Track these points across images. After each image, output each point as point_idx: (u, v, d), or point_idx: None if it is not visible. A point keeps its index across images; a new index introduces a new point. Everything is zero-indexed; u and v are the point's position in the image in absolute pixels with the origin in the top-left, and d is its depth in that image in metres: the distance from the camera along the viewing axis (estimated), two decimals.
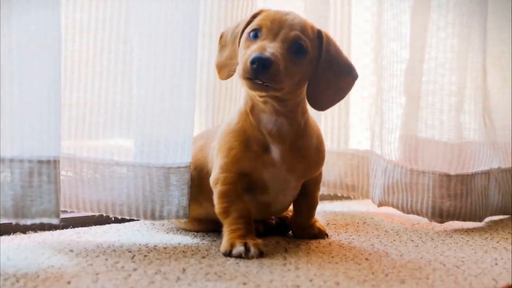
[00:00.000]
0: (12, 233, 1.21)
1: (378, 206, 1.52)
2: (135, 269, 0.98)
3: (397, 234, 1.33)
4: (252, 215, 1.14)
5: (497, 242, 1.28)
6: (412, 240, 1.27)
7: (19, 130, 1.00)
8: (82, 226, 1.30)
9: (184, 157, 1.19)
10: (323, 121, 1.60)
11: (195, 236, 1.25)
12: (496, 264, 1.09)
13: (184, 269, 0.99)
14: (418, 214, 1.45)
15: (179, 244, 1.18)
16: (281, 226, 1.30)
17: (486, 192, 1.49)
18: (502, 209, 1.57)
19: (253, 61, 1.02)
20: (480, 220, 1.47)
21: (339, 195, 1.68)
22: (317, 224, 1.28)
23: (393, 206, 1.49)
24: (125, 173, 1.18)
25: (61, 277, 0.93)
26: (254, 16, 1.14)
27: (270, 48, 1.04)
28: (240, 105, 1.17)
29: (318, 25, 1.16)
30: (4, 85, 0.99)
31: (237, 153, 1.13)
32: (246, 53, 1.06)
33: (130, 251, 1.10)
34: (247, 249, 1.07)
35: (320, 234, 1.26)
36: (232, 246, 1.08)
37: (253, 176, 1.14)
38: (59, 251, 1.08)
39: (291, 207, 1.28)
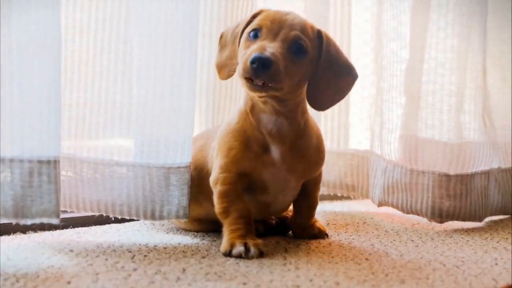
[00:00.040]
0: (12, 233, 1.21)
1: (378, 206, 1.52)
2: (135, 269, 0.98)
3: (397, 234, 1.33)
4: (252, 215, 1.14)
5: (497, 242, 1.28)
6: (412, 240, 1.27)
7: (19, 130, 1.00)
8: (82, 226, 1.30)
9: (184, 157, 1.19)
10: (323, 121, 1.60)
11: (195, 236, 1.25)
12: (496, 264, 1.09)
13: (184, 269, 0.99)
14: (417, 214, 1.45)
15: (179, 244, 1.18)
16: (281, 226, 1.30)
17: (486, 192, 1.49)
18: (502, 209, 1.57)
19: (253, 61, 1.02)
20: (480, 220, 1.47)
21: (339, 195, 1.68)
22: (317, 224, 1.28)
23: (392, 206, 1.49)
24: (125, 173, 1.18)
25: (61, 277, 0.93)
26: (254, 16, 1.14)
27: (270, 48, 1.04)
28: (240, 105, 1.17)
29: (318, 25, 1.16)
30: (4, 85, 0.99)
31: (237, 153, 1.13)
32: (246, 53, 1.06)
33: (130, 251, 1.10)
34: (247, 249, 1.07)
35: (320, 234, 1.26)
36: (232, 246, 1.08)
37: (253, 176, 1.14)
38: (59, 251, 1.08)
39: (291, 207, 1.28)
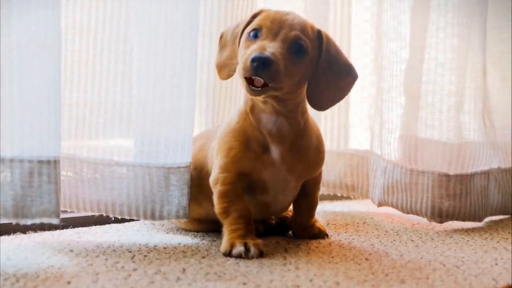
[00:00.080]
0: (12, 233, 1.21)
1: (378, 206, 1.52)
2: (135, 269, 0.98)
3: (397, 234, 1.33)
4: (252, 215, 1.14)
5: (497, 242, 1.28)
6: (412, 240, 1.27)
7: (19, 130, 1.00)
8: (82, 226, 1.30)
9: (184, 157, 1.19)
10: (323, 121, 1.60)
11: (195, 236, 1.25)
12: (496, 264, 1.09)
13: (184, 269, 0.99)
14: (417, 214, 1.46)
15: (179, 244, 1.18)
16: (281, 226, 1.30)
17: (486, 192, 1.49)
18: (502, 209, 1.57)
19: (253, 60, 1.02)
20: (480, 220, 1.47)
21: (339, 195, 1.67)
22: (317, 224, 1.28)
23: (392, 206, 1.49)
24: (125, 173, 1.18)
25: (61, 277, 0.93)
26: (254, 16, 1.14)
27: (270, 47, 1.04)
28: (240, 105, 1.17)
29: (318, 25, 1.16)
30: (4, 85, 0.99)
31: (237, 153, 1.13)
32: (246, 52, 1.06)
33: (130, 251, 1.10)
34: (247, 249, 1.07)
35: (320, 234, 1.26)
36: (232, 246, 1.08)
37: (253, 176, 1.14)
38: (59, 251, 1.08)
39: (291, 207, 1.28)
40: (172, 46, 1.16)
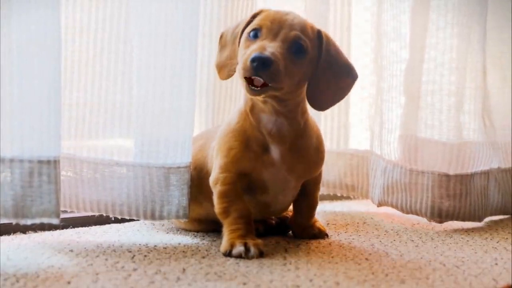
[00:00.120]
0: (12, 233, 1.21)
1: (378, 206, 1.52)
2: (135, 269, 0.98)
3: (397, 234, 1.33)
4: (252, 215, 1.14)
5: (497, 242, 1.28)
6: (412, 240, 1.27)
7: (19, 130, 1.00)
8: (82, 226, 1.30)
9: (184, 157, 1.19)
10: (323, 121, 1.60)
11: (195, 236, 1.25)
12: (496, 264, 1.09)
13: (184, 269, 0.99)
14: (417, 214, 1.45)
15: (179, 244, 1.18)
16: (281, 226, 1.30)
17: (486, 192, 1.49)
18: (501, 209, 1.57)
19: (253, 60, 1.02)
20: (480, 220, 1.47)
21: (339, 195, 1.68)
22: (317, 224, 1.28)
23: (392, 206, 1.49)
24: (125, 173, 1.18)
25: (61, 277, 0.93)
26: (254, 16, 1.14)
27: (270, 47, 1.04)
28: (240, 105, 1.17)
29: (318, 25, 1.16)
30: (4, 85, 0.99)
31: (236, 153, 1.13)
32: (246, 52, 1.06)
33: (130, 251, 1.10)
34: (247, 249, 1.07)
35: (320, 234, 1.26)
36: (232, 246, 1.08)
37: (253, 176, 1.14)
38: (59, 251, 1.08)
39: (291, 207, 1.28)
40: (172, 46, 1.17)
